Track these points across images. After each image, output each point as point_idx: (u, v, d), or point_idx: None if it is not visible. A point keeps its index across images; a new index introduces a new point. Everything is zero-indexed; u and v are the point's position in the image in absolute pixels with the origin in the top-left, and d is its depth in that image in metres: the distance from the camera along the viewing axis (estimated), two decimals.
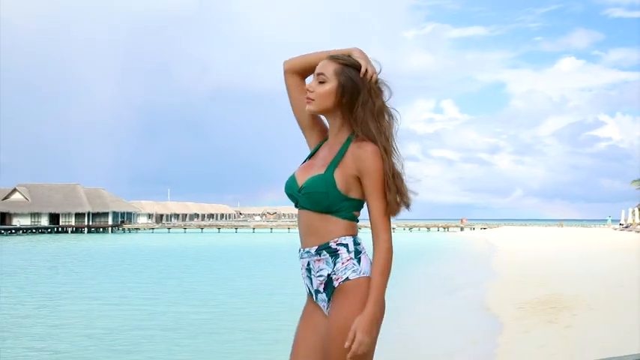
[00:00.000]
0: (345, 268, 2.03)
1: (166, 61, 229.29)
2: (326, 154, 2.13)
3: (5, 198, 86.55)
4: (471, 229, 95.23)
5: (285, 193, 2.19)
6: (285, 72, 2.26)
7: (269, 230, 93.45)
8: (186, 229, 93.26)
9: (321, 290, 2.08)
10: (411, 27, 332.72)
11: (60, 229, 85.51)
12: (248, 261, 32.74)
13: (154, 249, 45.06)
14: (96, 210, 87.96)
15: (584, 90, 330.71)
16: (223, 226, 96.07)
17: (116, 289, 19.69)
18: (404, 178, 2.08)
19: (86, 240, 62.71)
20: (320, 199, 2.05)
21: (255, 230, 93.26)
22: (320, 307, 2.12)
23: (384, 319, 2.04)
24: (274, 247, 47.42)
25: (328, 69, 2.11)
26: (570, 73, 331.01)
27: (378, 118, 2.08)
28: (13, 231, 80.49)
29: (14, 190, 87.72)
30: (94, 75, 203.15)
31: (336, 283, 2.03)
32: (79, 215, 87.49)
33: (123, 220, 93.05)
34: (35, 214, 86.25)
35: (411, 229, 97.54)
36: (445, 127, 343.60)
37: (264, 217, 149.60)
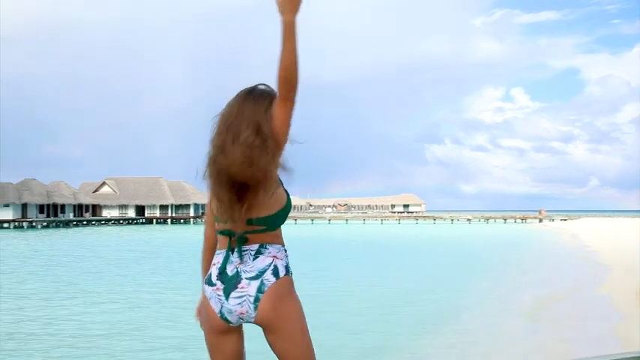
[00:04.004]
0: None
1: (236, 52, 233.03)
2: None
3: (95, 191, 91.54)
4: (550, 220, 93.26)
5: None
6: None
7: (344, 221, 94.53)
8: None
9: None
10: (479, 14, 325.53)
11: (145, 220, 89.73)
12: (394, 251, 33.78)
13: None
14: (178, 202, 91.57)
15: None
16: (299, 218, 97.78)
17: None
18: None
19: (180, 230, 65.48)
20: None
21: (331, 222, 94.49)
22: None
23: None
24: (374, 239, 48.19)
25: None
26: None
27: None
28: (103, 222, 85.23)
29: (103, 184, 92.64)
30: (166, 70, 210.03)
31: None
32: (162, 207, 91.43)
33: (203, 212, 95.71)
34: (123, 206, 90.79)
35: (487, 220, 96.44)
36: (515, 115, 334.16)
37: (334, 208, 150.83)
